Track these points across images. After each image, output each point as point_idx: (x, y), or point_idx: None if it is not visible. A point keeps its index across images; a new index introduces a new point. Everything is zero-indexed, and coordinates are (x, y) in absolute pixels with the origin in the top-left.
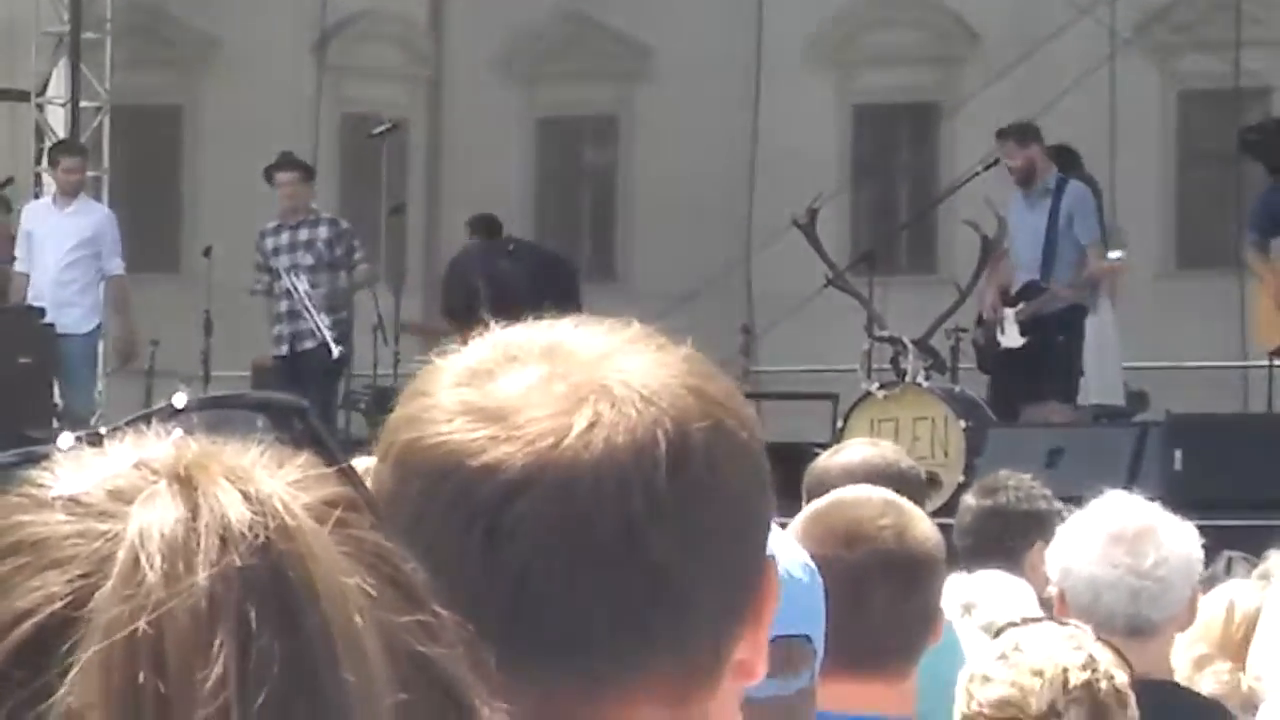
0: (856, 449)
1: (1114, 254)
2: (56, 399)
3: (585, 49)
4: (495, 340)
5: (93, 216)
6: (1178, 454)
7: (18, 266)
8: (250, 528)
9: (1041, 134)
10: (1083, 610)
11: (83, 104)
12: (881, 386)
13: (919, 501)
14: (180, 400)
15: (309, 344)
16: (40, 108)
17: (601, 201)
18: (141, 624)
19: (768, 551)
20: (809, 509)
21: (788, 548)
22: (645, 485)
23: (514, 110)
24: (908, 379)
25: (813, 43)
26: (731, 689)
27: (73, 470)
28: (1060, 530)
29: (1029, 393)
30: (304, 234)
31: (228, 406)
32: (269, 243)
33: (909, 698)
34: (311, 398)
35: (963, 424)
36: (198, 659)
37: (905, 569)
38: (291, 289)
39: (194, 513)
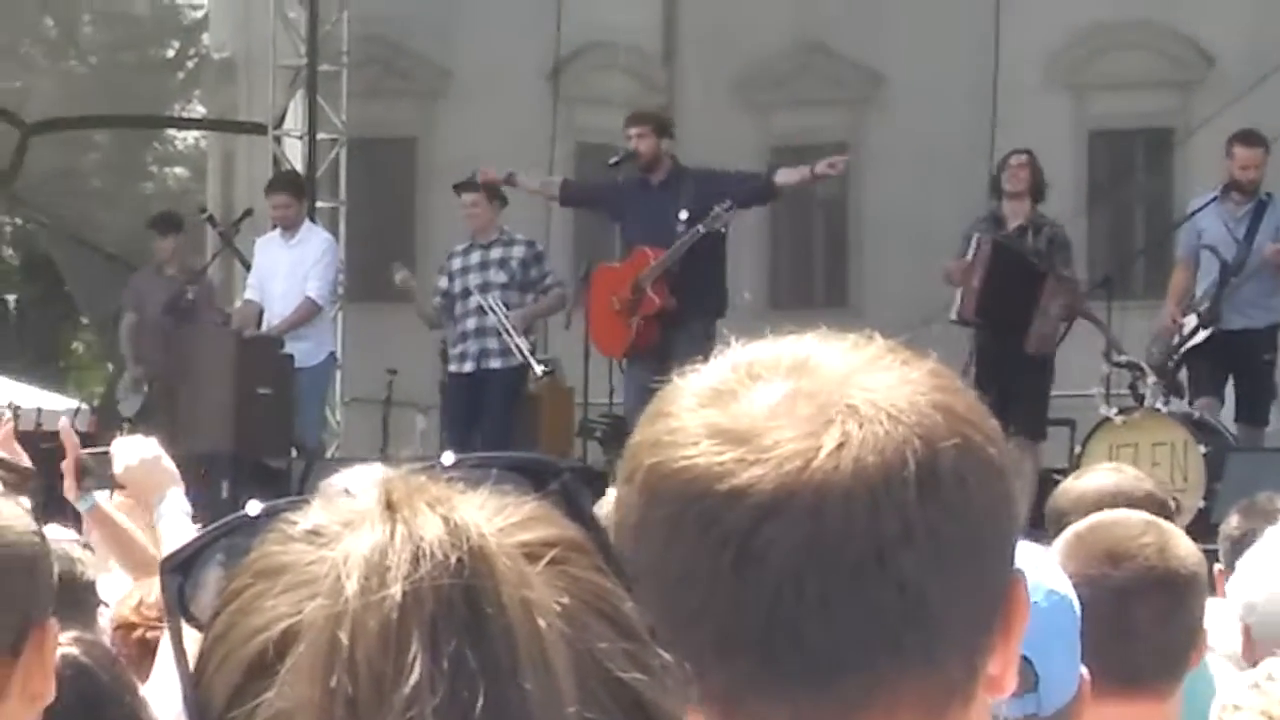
0: (1103, 474)
1: None
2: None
3: (818, 76)
4: (737, 358)
5: (313, 245)
6: None
7: (248, 295)
8: (443, 549)
9: None
10: (1271, 650)
11: (319, 136)
12: (1120, 412)
13: None
14: (449, 459)
15: (495, 363)
16: (278, 140)
17: (834, 229)
18: (340, 633)
19: (1015, 567)
20: (1070, 531)
21: (1031, 570)
22: (896, 506)
23: (748, 138)
24: (1146, 404)
25: (1048, 66)
26: (984, 703)
27: (321, 506)
28: (1240, 564)
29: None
30: (496, 253)
31: (492, 466)
32: (456, 262)
33: (1175, 717)
34: (495, 417)
35: (1202, 449)
36: (388, 665)
37: (1170, 587)
38: (489, 308)
39: (392, 534)
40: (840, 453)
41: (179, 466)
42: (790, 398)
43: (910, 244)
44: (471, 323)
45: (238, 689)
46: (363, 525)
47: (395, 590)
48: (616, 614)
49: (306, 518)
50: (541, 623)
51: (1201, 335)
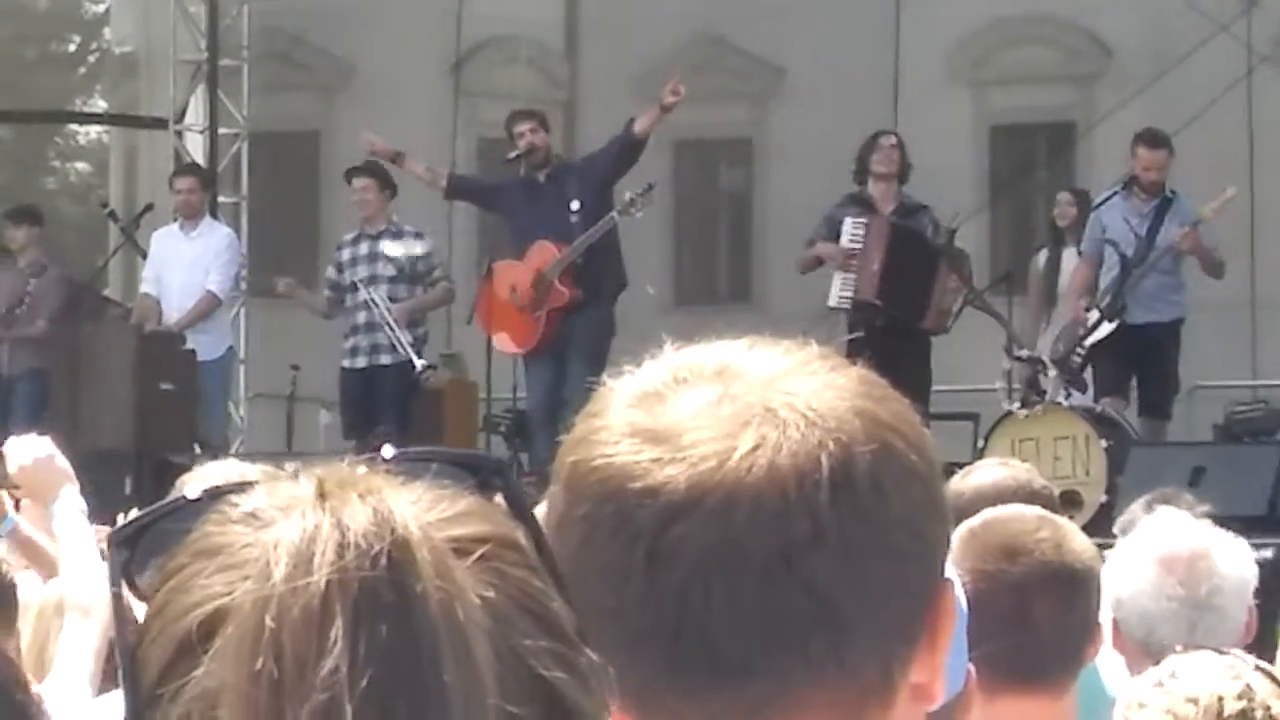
0: (987, 470)
1: (1229, 191)
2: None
3: (719, 70)
4: (668, 362)
5: (214, 239)
6: None
7: (145, 289)
8: (368, 539)
9: None
10: (1139, 642)
11: (221, 131)
12: (1022, 406)
13: None
14: (389, 451)
15: (386, 359)
16: (179, 135)
17: (738, 223)
18: (266, 617)
19: (943, 574)
20: (963, 528)
21: None
22: (807, 508)
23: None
24: (1048, 398)
25: (949, 60)
26: (910, 712)
27: (264, 491)
28: (1111, 556)
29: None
30: (385, 244)
31: (433, 460)
32: (345, 254)
33: (1071, 713)
34: (388, 414)
35: (1104, 443)
36: (310, 651)
37: (1066, 581)
38: (371, 302)
39: (320, 523)
40: (755, 454)
41: (79, 463)
42: (714, 401)
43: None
44: (361, 317)
45: (169, 665)
46: (295, 512)
47: (319, 578)
48: (544, 612)
49: (247, 501)
50: (462, 615)
51: (1106, 329)
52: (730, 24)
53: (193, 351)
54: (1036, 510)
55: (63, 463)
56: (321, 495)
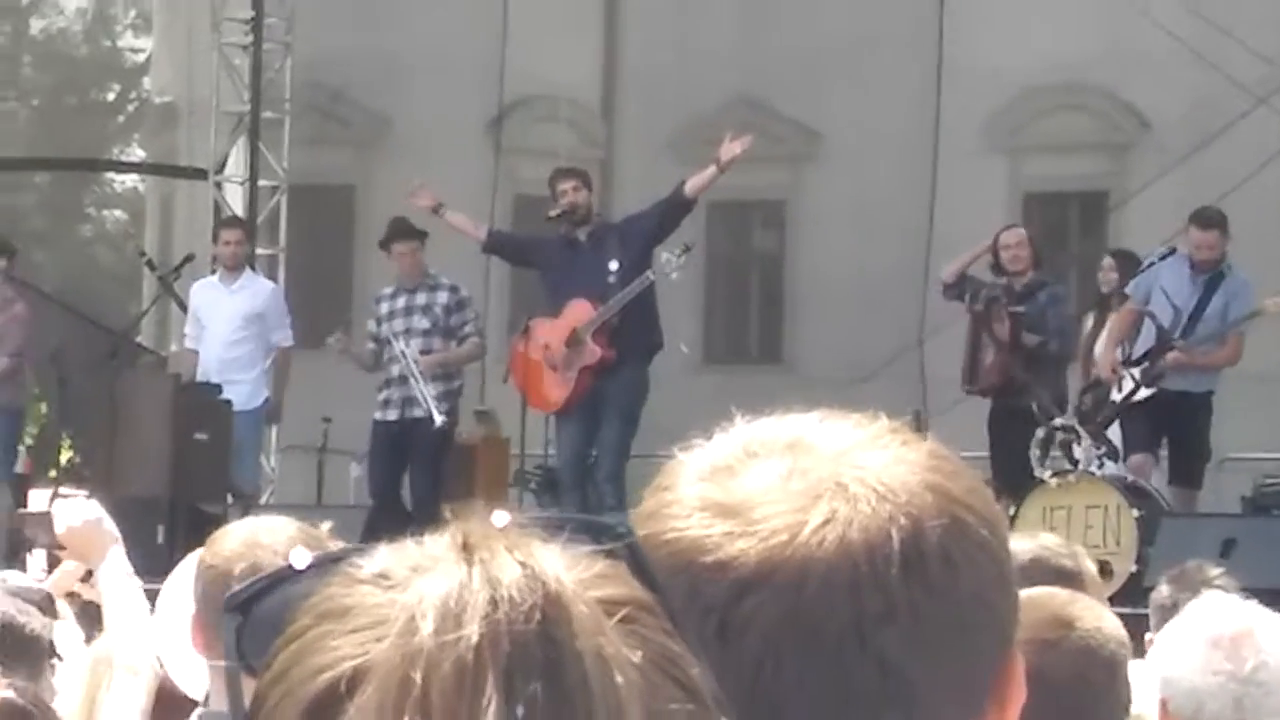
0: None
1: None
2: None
3: (756, 132)
4: (738, 434)
5: (258, 292)
6: None
7: (187, 344)
8: (521, 593)
9: None
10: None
11: (260, 183)
12: (1055, 474)
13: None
14: (502, 518)
15: (419, 412)
16: (219, 186)
17: (770, 284)
18: (413, 673)
19: (1012, 645)
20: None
21: None
22: (878, 583)
23: None
24: (1080, 466)
25: (986, 128)
26: None
27: (388, 552)
28: (1157, 638)
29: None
30: (421, 298)
31: (554, 526)
32: (384, 307)
33: None
34: (419, 467)
35: (1135, 513)
36: (463, 708)
37: (1098, 663)
38: (401, 354)
39: (469, 576)
40: (825, 529)
41: (112, 511)
42: (785, 475)
43: (846, 302)
44: (396, 370)
45: None
46: (436, 568)
47: (471, 631)
48: (686, 678)
49: (372, 561)
50: (618, 674)
51: (1143, 393)
52: (768, 87)
53: (228, 402)
54: (1065, 592)
55: (110, 525)
56: (466, 548)
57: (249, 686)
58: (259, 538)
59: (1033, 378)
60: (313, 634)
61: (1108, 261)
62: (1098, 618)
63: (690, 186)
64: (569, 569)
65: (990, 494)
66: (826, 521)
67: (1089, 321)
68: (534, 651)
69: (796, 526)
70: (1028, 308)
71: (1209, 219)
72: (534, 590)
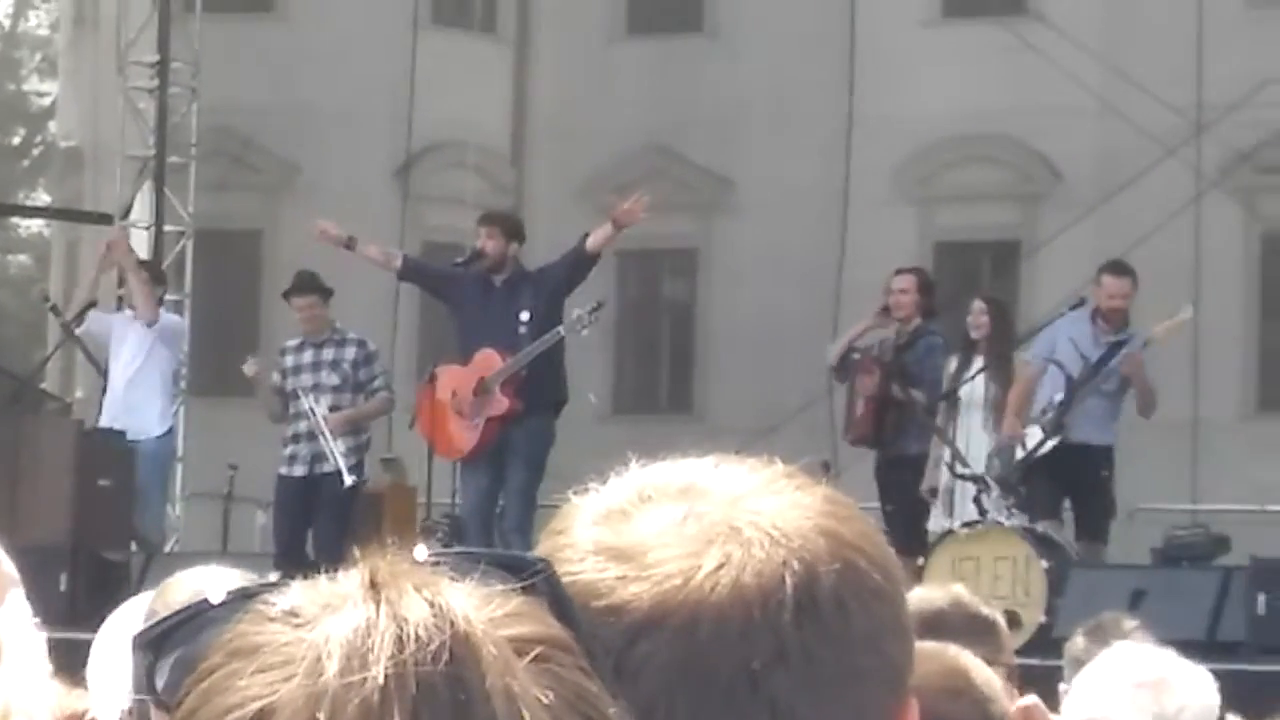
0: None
1: (1184, 313)
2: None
3: (667, 180)
4: (633, 479)
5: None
6: (1261, 598)
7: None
8: (428, 632)
9: None
10: None
11: (166, 228)
12: (964, 525)
13: (984, 642)
14: (421, 553)
15: (327, 467)
16: (124, 230)
17: (680, 334)
18: (318, 714)
19: (906, 693)
20: None
21: None
22: (770, 627)
23: None
24: (989, 518)
25: (896, 177)
26: None
27: (300, 589)
28: (1076, 682)
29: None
30: (329, 353)
31: (473, 560)
32: (289, 360)
33: None
34: (325, 519)
35: (1044, 564)
36: None
37: (995, 714)
38: (310, 411)
39: (376, 615)
40: (719, 573)
41: (14, 559)
42: (679, 519)
43: (756, 351)
44: (304, 425)
45: None
46: (344, 606)
47: (377, 671)
48: (599, 716)
49: (284, 599)
50: (527, 715)
51: (1049, 445)
52: (679, 135)
53: (132, 450)
54: (951, 646)
55: (9, 566)
56: (374, 586)
57: None
58: (210, 587)
59: (900, 429)
60: (221, 673)
61: (978, 305)
62: (985, 670)
63: (591, 242)
64: (479, 608)
65: (884, 540)
66: (720, 566)
67: (952, 364)
68: (441, 692)
69: (690, 571)
70: (907, 358)
71: (1122, 267)
72: (442, 629)
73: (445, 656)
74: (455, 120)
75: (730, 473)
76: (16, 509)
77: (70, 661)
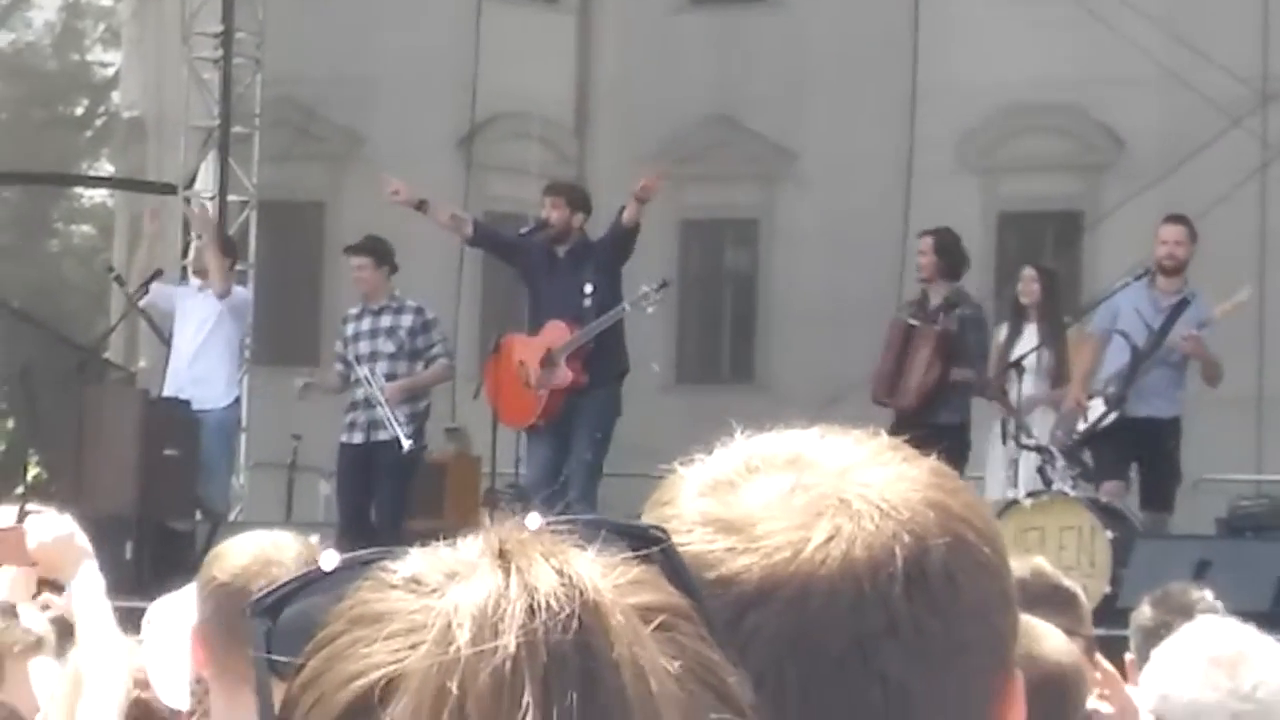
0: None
1: (1242, 294)
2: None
3: (731, 151)
4: (739, 450)
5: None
6: None
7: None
8: (558, 601)
9: None
10: None
11: (230, 198)
12: (1029, 495)
13: (1065, 613)
14: (535, 521)
15: (384, 435)
16: (188, 201)
17: (742, 304)
18: (449, 683)
19: (1012, 665)
20: None
21: None
22: (881, 600)
23: (658, 212)
24: (1054, 488)
25: (960, 148)
26: None
27: (420, 557)
28: (1154, 655)
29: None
30: (386, 320)
31: (594, 528)
32: (350, 329)
33: None
34: (385, 489)
35: (1109, 534)
36: (499, 717)
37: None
38: (366, 379)
39: (506, 584)
40: (829, 546)
41: (81, 529)
42: (787, 491)
43: (818, 321)
44: (361, 392)
45: None
46: (472, 575)
47: (509, 640)
48: (723, 687)
49: (404, 566)
50: (654, 684)
51: (1110, 419)
52: (742, 105)
53: (197, 420)
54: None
55: (82, 540)
56: (502, 555)
57: (278, 691)
58: (269, 554)
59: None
60: (345, 639)
61: (1029, 272)
62: (1057, 634)
63: (625, 216)
64: (605, 575)
65: (990, 512)
66: (830, 538)
67: (1003, 331)
68: (571, 661)
69: (800, 543)
70: (962, 340)
71: (1177, 217)
72: (571, 599)
73: (575, 625)
74: (519, 91)
75: (836, 444)
76: (82, 479)
77: (135, 630)
